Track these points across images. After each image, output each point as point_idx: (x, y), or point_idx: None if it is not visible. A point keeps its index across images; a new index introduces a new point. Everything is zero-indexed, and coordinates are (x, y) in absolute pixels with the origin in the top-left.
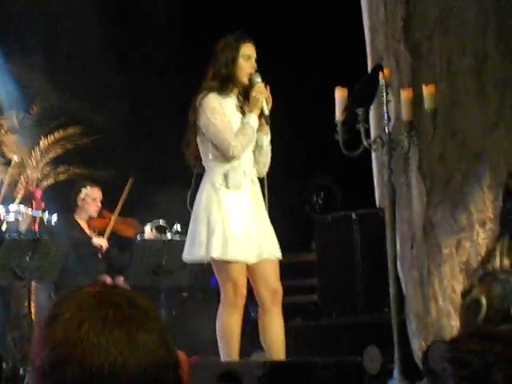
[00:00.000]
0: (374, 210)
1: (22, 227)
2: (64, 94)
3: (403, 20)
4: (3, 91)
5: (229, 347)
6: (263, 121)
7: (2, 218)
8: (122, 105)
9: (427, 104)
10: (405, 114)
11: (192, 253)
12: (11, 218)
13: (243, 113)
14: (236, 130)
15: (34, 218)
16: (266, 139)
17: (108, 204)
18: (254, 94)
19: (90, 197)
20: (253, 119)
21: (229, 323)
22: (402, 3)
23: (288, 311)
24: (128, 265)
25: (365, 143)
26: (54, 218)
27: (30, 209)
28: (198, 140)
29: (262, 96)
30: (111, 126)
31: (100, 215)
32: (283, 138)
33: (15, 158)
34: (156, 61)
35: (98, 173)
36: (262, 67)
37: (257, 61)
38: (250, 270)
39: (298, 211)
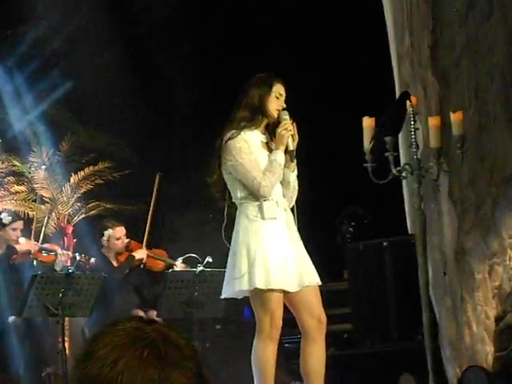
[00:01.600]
0: (405, 237)
1: (57, 268)
2: (93, 130)
3: (430, 47)
4: (33, 129)
5: (264, 378)
6: (289, 157)
7: (36, 255)
8: (150, 139)
9: (455, 130)
10: (433, 141)
11: (232, 287)
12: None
13: (269, 150)
14: (263, 167)
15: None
16: (293, 175)
17: (139, 238)
18: (280, 130)
19: (114, 237)
20: (279, 156)
21: (264, 355)
22: (428, 31)
23: None
24: (160, 297)
25: (394, 171)
26: (92, 260)
27: (68, 252)
28: (225, 176)
29: (288, 133)
30: (140, 161)
31: (128, 249)
32: (313, 168)
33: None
34: (184, 98)
35: (129, 207)
36: (291, 99)
37: (286, 102)
38: (292, 298)
39: (329, 240)
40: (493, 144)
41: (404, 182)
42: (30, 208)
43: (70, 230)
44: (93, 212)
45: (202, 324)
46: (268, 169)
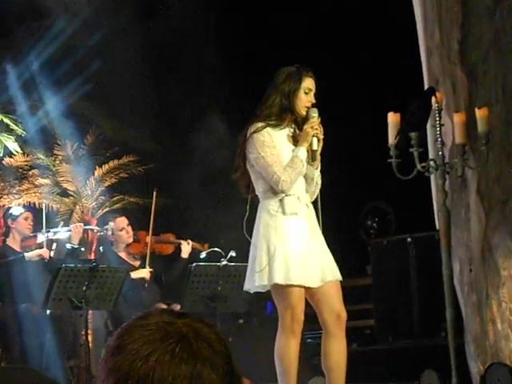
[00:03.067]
0: (429, 233)
1: (75, 241)
2: (118, 123)
3: (459, 43)
4: (58, 122)
5: (287, 373)
6: (310, 156)
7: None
8: (175, 133)
9: (480, 127)
10: (458, 137)
11: (253, 281)
12: (62, 236)
13: (295, 143)
14: (286, 162)
15: (87, 234)
16: (317, 172)
17: (138, 225)
18: (306, 127)
19: (117, 229)
20: (302, 152)
21: (286, 349)
22: (457, 26)
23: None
24: (183, 291)
25: (418, 167)
26: (101, 249)
27: (80, 224)
28: (249, 169)
29: (313, 131)
30: (165, 155)
31: (135, 240)
32: (338, 164)
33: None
34: (208, 92)
35: (153, 201)
36: (319, 90)
37: (315, 95)
38: (313, 294)
39: (353, 236)
40: None
41: (432, 178)
42: (55, 201)
43: (94, 223)
44: (117, 205)
45: (225, 318)
46: (289, 164)
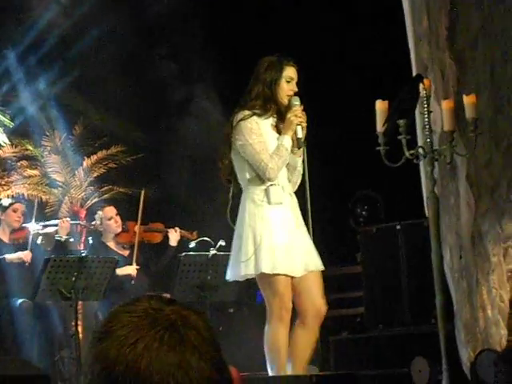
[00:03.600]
0: (418, 220)
1: (62, 234)
2: (106, 114)
3: (447, 29)
4: (46, 113)
5: (276, 362)
6: (296, 144)
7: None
8: (163, 122)
9: (468, 113)
10: (446, 124)
11: (238, 270)
12: (50, 230)
13: (279, 132)
14: (271, 151)
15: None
16: (299, 161)
17: (126, 215)
18: (289, 115)
19: (106, 218)
20: (286, 140)
21: (276, 338)
22: (445, 12)
23: (334, 324)
24: (173, 281)
25: (407, 154)
26: (90, 241)
27: (67, 218)
28: (234, 157)
29: (298, 119)
30: (153, 145)
31: (124, 229)
32: (326, 152)
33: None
34: (198, 79)
35: (142, 191)
36: (304, 80)
37: (297, 83)
38: (294, 285)
39: (342, 224)
40: (508, 127)
41: (421, 165)
42: (43, 192)
43: (83, 213)
44: (106, 196)
45: (215, 308)
46: (275, 152)
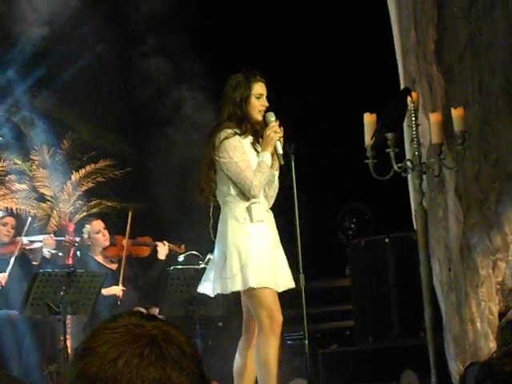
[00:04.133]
0: (407, 233)
1: (45, 253)
2: (94, 128)
3: (434, 42)
4: (34, 127)
5: (268, 375)
6: (277, 159)
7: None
8: (151, 137)
9: (456, 126)
10: (434, 137)
11: (223, 286)
12: (37, 245)
13: (255, 149)
14: (254, 168)
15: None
16: (276, 174)
17: (114, 230)
18: (268, 132)
19: (94, 231)
20: (267, 157)
21: (268, 351)
22: (433, 25)
23: (323, 337)
24: (162, 295)
25: (395, 167)
26: (79, 254)
27: (50, 235)
28: (217, 176)
29: (276, 135)
30: (142, 159)
31: (112, 243)
32: (314, 165)
33: None
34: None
35: (130, 205)
36: (293, 93)
37: (268, 97)
38: None
39: (331, 237)
40: (496, 139)
41: (409, 178)
42: (32, 206)
43: (71, 227)
44: (94, 210)
45: (204, 321)
46: (258, 169)
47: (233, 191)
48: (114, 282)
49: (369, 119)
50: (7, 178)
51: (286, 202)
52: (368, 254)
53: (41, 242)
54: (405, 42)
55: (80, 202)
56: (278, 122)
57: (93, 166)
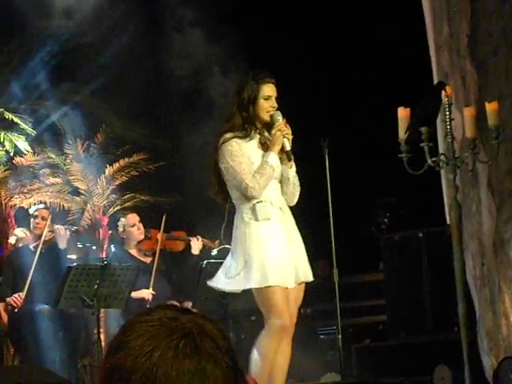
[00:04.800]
0: (441, 228)
1: (61, 245)
2: (128, 121)
3: (468, 36)
4: (68, 120)
5: (260, 371)
6: (286, 157)
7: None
8: (186, 131)
9: (490, 121)
10: (468, 132)
11: (228, 285)
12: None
13: (266, 149)
14: (256, 169)
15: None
16: (292, 171)
17: (150, 224)
18: (274, 131)
19: (129, 225)
20: (271, 157)
21: (269, 350)
22: (466, 20)
23: (357, 332)
24: (195, 289)
25: (429, 161)
26: (112, 248)
27: (61, 226)
28: (225, 180)
29: (282, 133)
30: (175, 153)
31: (147, 237)
32: (349, 159)
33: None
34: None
35: (164, 199)
36: (328, 87)
37: (277, 99)
38: None
39: (364, 231)
40: None
41: (442, 173)
42: (66, 200)
43: (105, 221)
44: (128, 204)
45: (237, 315)
46: (258, 170)
47: (237, 194)
48: (147, 275)
49: (403, 113)
50: (41, 172)
51: (319, 196)
52: (401, 248)
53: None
54: (438, 37)
55: (114, 195)
56: (284, 121)
57: (126, 159)
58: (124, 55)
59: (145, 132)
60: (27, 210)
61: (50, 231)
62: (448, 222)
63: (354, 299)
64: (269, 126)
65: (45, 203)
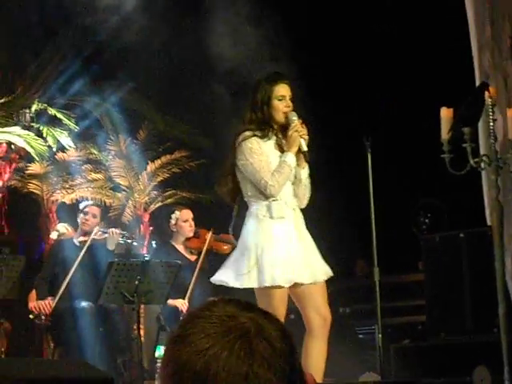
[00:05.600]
0: (482, 228)
1: (110, 246)
2: (170, 118)
3: (510, 37)
4: (111, 117)
5: None
6: (302, 156)
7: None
8: (227, 129)
9: None
10: (511, 133)
11: (238, 282)
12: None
13: (282, 151)
14: (273, 169)
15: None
16: (304, 173)
17: (200, 223)
18: (290, 132)
19: (181, 219)
20: (289, 157)
21: None
22: (509, 21)
23: (396, 332)
24: (233, 289)
25: (471, 162)
26: (153, 245)
27: (117, 230)
28: (238, 175)
29: (299, 134)
30: (217, 150)
31: (195, 235)
32: (390, 159)
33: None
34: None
35: (205, 197)
36: (371, 86)
37: (291, 99)
38: (300, 294)
39: (405, 231)
40: None
41: (483, 174)
42: (107, 196)
43: (146, 217)
44: (169, 200)
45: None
46: (277, 169)
47: (253, 191)
48: (190, 272)
49: (446, 114)
50: (83, 168)
51: (361, 195)
52: (442, 249)
53: (106, 233)
54: (480, 38)
55: (155, 192)
56: (300, 121)
57: (168, 156)
58: (166, 52)
59: (187, 129)
60: (69, 205)
61: (102, 231)
62: (489, 223)
63: (393, 299)
64: (284, 127)
65: (86, 199)
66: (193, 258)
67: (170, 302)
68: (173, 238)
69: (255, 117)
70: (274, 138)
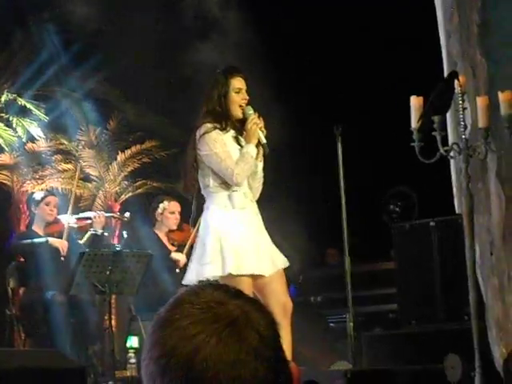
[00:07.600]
0: (452, 217)
1: (97, 226)
2: (140, 108)
3: (478, 26)
4: (80, 107)
5: None
6: (260, 149)
7: (66, 227)
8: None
9: (503, 110)
10: (481, 121)
11: (201, 272)
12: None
13: (239, 143)
14: (236, 159)
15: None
16: (260, 165)
17: (186, 218)
18: (250, 125)
19: (169, 210)
20: (251, 148)
21: None
22: (476, 9)
23: (367, 320)
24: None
25: (441, 150)
26: (125, 234)
27: (102, 212)
28: (199, 170)
29: (257, 126)
30: (187, 140)
31: (179, 228)
32: (360, 147)
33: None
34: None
35: (176, 186)
36: (340, 75)
37: (247, 91)
38: (259, 285)
39: (376, 220)
40: None
41: (452, 162)
42: (78, 186)
43: (117, 208)
44: (140, 190)
45: None
46: (240, 159)
47: (214, 182)
48: (168, 262)
49: (416, 102)
50: (53, 158)
51: (331, 184)
52: (413, 237)
53: (89, 218)
54: (448, 26)
55: (125, 182)
56: (256, 114)
57: (138, 146)
58: (138, 41)
59: (157, 119)
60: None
61: (86, 218)
62: (457, 211)
63: (364, 288)
64: (241, 122)
65: (56, 189)
66: (173, 249)
67: (173, 255)
68: (156, 226)
69: (213, 109)
70: (232, 131)
